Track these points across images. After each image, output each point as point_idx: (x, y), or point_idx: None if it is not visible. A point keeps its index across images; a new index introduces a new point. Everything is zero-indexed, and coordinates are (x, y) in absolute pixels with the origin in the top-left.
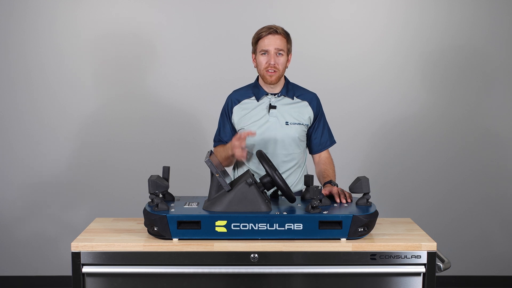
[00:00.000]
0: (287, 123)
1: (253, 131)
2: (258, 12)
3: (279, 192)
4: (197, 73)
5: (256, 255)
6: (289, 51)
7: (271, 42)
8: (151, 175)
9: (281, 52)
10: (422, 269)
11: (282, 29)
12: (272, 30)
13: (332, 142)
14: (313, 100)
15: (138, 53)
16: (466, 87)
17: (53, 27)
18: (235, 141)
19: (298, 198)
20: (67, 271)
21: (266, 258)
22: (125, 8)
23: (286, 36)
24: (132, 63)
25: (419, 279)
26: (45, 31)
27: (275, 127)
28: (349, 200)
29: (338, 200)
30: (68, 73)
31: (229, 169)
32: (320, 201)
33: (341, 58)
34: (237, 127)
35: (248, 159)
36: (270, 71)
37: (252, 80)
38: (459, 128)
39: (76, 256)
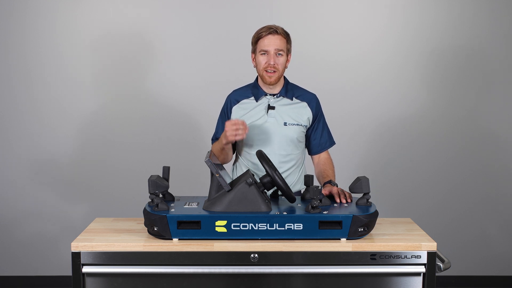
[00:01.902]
0: (285, 124)
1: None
2: (258, 12)
3: (279, 192)
4: (197, 73)
5: (256, 255)
6: (288, 51)
7: (271, 42)
8: (151, 175)
9: (280, 52)
10: (422, 269)
11: (282, 29)
12: (272, 30)
13: (332, 143)
14: (313, 101)
15: (138, 53)
16: (466, 87)
17: (53, 27)
18: (229, 125)
19: (298, 198)
20: (67, 271)
21: (266, 258)
22: (125, 8)
23: (286, 36)
24: (132, 63)
25: (419, 279)
26: (45, 31)
27: (274, 128)
28: (349, 200)
29: (338, 200)
30: (68, 73)
31: (229, 169)
32: (320, 201)
33: (341, 58)
34: None
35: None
36: (269, 71)
37: (252, 80)
38: (459, 128)
39: (76, 256)
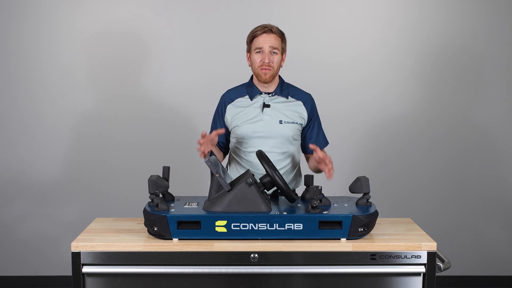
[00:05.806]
0: (281, 122)
1: (220, 131)
2: (256, 13)
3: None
4: (198, 74)
5: (256, 255)
6: (283, 50)
7: (266, 41)
8: (151, 175)
9: (275, 50)
10: (422, 269)
11: (277, 28)
12: (267, 29)
13: (326, 143)
14: (308, 100)
15: (138, 53)
16: (464, 87)
17: (53, 27)
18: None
19: (298, 198)
20: (67, 271)
21: (266, 258)
22: (121, 8)
23: (281, 35)
24: (132, 63)
25: (419, 279)
26: (45, 31)
27: (269, 126)
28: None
29: (323, 168)
30: (68, 73)
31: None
32: (320, 201)
33: (338, 58)
34: (230, 126)
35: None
36: (264, 68)
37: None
38: (459, 128)
39: (76, 256)
